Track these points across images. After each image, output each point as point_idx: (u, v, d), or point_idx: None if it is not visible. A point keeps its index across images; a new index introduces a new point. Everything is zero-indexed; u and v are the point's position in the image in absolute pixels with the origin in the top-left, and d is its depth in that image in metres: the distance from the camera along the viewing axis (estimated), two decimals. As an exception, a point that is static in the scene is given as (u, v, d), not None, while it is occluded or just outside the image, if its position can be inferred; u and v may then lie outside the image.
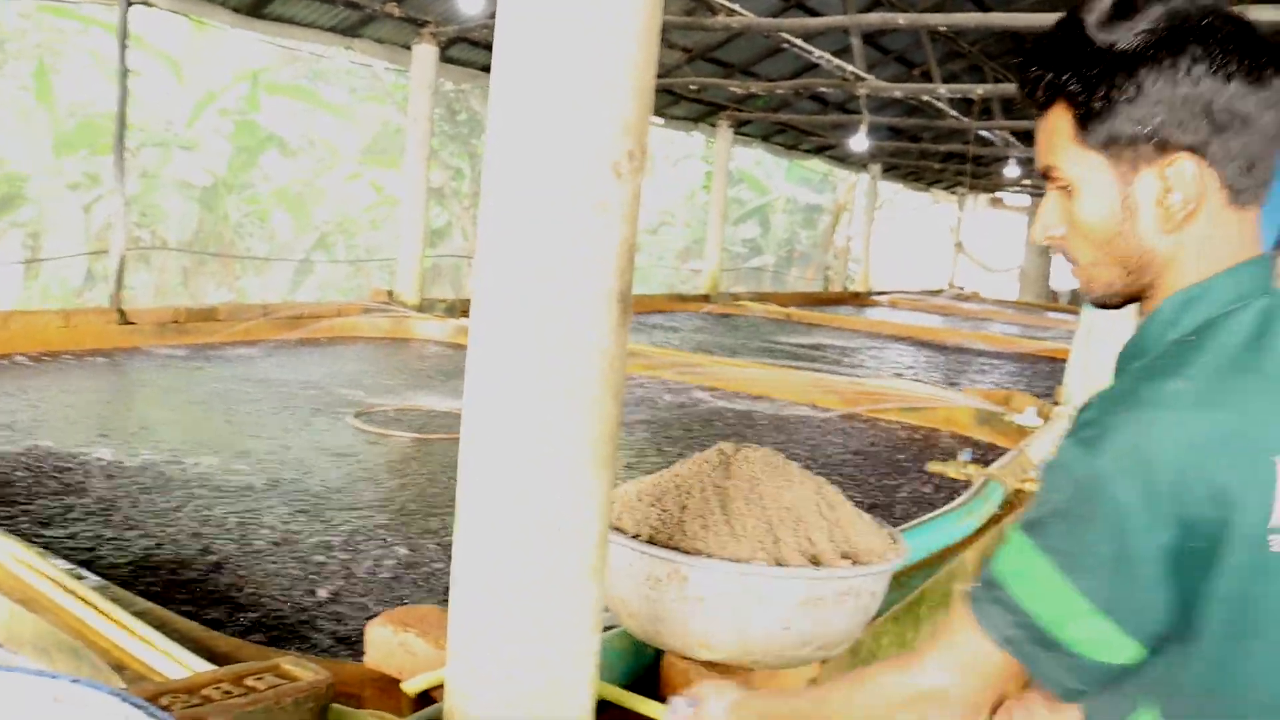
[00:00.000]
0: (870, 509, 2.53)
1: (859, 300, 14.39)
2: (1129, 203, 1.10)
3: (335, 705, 1.52)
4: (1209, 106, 1.05)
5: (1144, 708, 1.07)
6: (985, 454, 4.59)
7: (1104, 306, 1.19)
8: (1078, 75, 1.08)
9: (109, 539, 2.79)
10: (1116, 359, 1.17)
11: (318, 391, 5.21)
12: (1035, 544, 1.03)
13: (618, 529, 1.76)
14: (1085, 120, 1.09)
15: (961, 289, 17.63)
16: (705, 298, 11.24)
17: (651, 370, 6.48)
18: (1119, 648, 1.02)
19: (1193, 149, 1.06)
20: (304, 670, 1.50)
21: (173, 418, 4.42)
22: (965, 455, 3.92)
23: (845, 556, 1.77)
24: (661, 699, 1.85)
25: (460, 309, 8.08)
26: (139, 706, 1.05)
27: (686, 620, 1.71)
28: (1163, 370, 1.05)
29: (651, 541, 1.73)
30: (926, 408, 5.73)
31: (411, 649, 1.85)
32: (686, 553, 1.69)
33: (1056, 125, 1.12)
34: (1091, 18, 1.08)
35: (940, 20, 6.74)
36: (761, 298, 12.17)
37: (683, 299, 11.30)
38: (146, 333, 6.19)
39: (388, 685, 1.87)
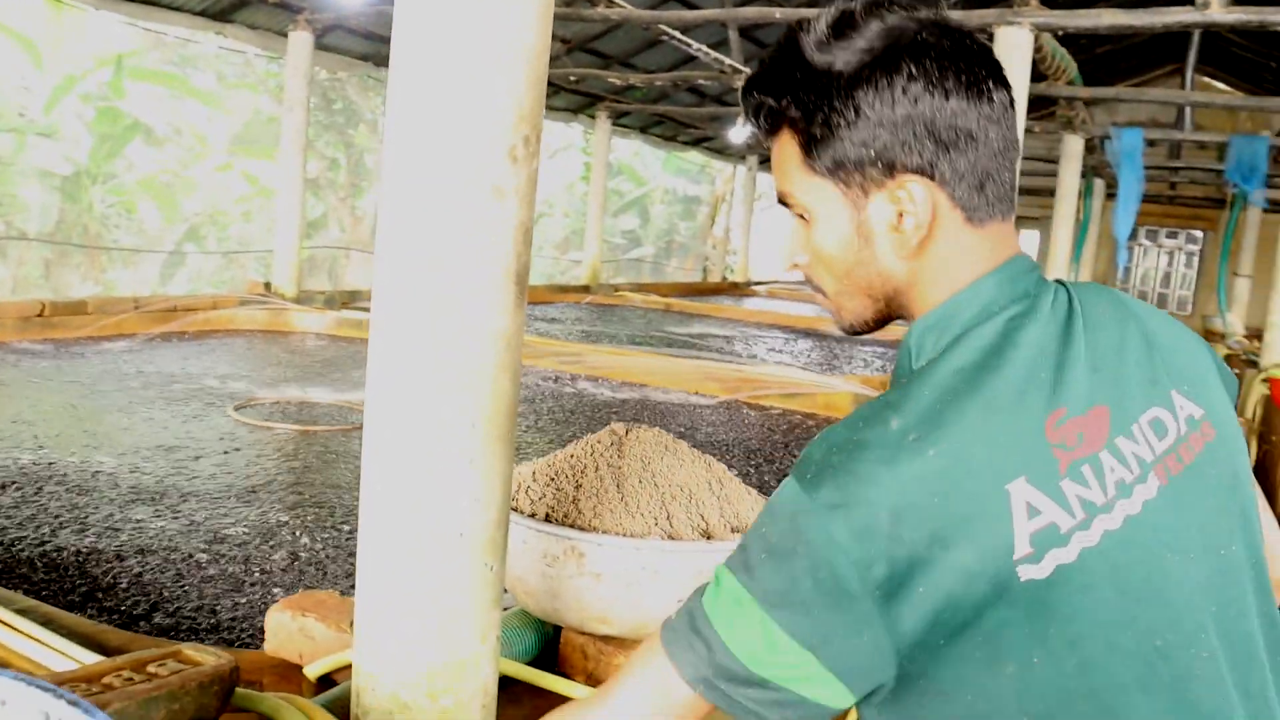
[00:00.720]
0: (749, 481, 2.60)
1: (738, 290, 14.60)
2: (863, 229, 1.04)
3: (240, 689, 1.52)
4: (931, 125, 1.00)
5: None
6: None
7: (857, 333, 1.12)
8: (796, 100, 1.02)
9: (-17, 537, 2.72)
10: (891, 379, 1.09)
11: (194, 385, 5.10)
12: (741, 582, 0.95)
13: (514, 509, 1.80)
14: (810, 146, 1.03)
15: (836, 278, 18.00)
16: (585, 288, 11.28)
17: (534, 360, 6.50)
18: (823, 685, 0.93)
19: (920, 170, 1.01)
20: (207, 655, 1.50)
21: (38, 415, 4.28)
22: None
23: (735, 531, 1.84)
24: (561, 674, 1.90)
25: (340, 301, 7.98)
26: (47, 691, 1.05)
27: (583, 596, 1.76)
28: (885, 406, 0.99)
29: (547, 520, 1.77)
30: (806, 394, 5.87)
31: (311, 633, 1.86)
32: (583, 530, 1.74)
33: (785, 152, 1.06)
34: (809, 38, 1.02)
35: (815, 14, 6.87)
36: (641, 288, 12.27)
37: (563, 290, 11.33)
38: (8, 327, 5.97)
39: (288, 671, 1.88)
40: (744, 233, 15.67)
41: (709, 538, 1.79)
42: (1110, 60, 14.57)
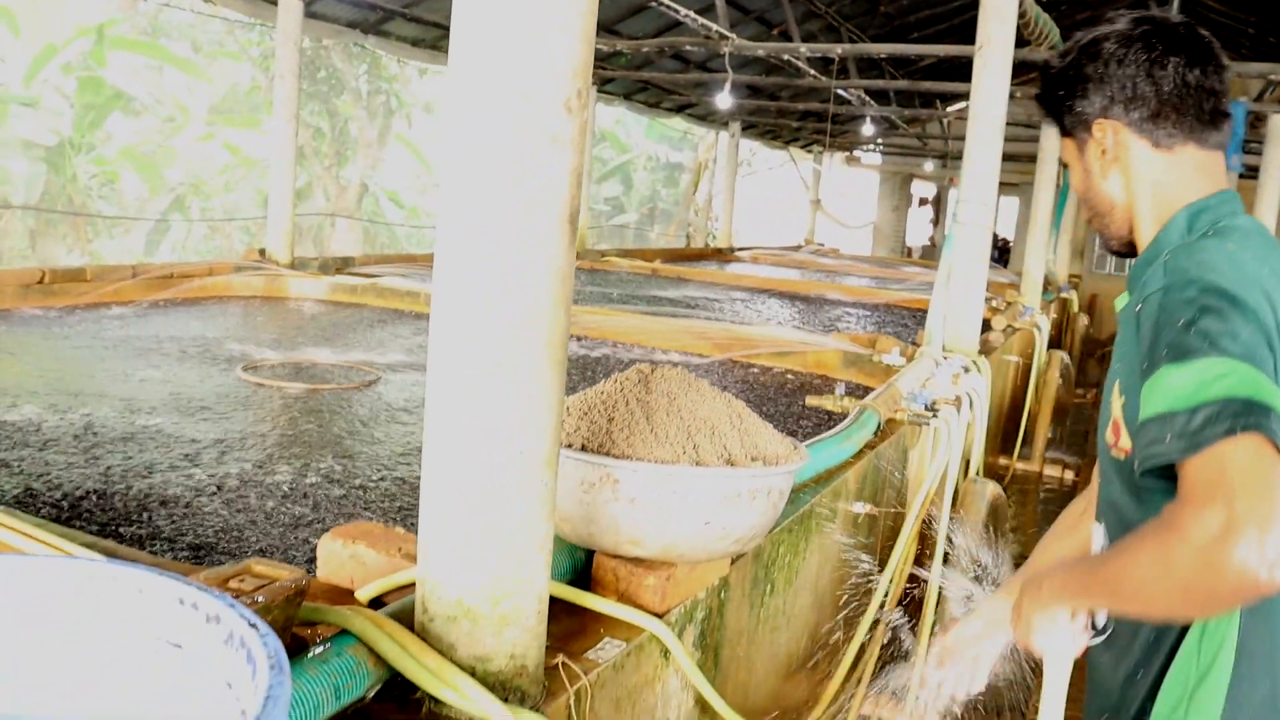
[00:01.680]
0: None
1: (721, 256, 14.72)
2: (1086, 165, 1.60)
3: (306, 603, 1.65)
4: (1114, 84, 1.54)
5: None
6: (857, 391, 4.90)
7: (1116, 254, 1.65)
8: (1049, 97, 1.65)
9: (31, 484, 2.84)
10: (1131, 272, 1.54)
11: (200, 348, 5.21)
12: (1207, 359, 1.18)
13: (552, 441, 1.94)
14: (1059, 123, 1.65)
15: (820, 245, 18.15)
16: (573, 279, 11.39)
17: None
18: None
19: (1107, 116, 1.55)
20: (279, 570, 1.63)
21: (62, 374, 4.39)
22: (840, 389, 4.19)
23: (755, 460, 1.98)
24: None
25: (334, 266, 8.07)
26: (178, 579, 1.18)
27: (618, 520, 1.90)
28: (1211, 236, 1.42)
29: (583, 449, 1.91)
30: (797, 352, 6.02)
31: (362, 559, 2.00)
32: (617, 458, 1.88)
33: (1061, 137, 1.67)
34: (1053, 58, 1.65)
35: None
36: (627, 254, 12.38)
37: (552, 256, 11.44)
38: (9, 294, 6.04)
39: (340, 595, 2.01)
40: (727, 199, 15.78)
41: (731, 464, 1.93)
42: (1089, 26, 14.69)
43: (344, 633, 1.59)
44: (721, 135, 16.21)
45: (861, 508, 3.41)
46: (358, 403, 4.31)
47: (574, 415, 1.99)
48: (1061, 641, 1.46)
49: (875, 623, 3.81)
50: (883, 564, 3.81)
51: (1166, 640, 1.42)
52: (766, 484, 1.94)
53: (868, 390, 5.05)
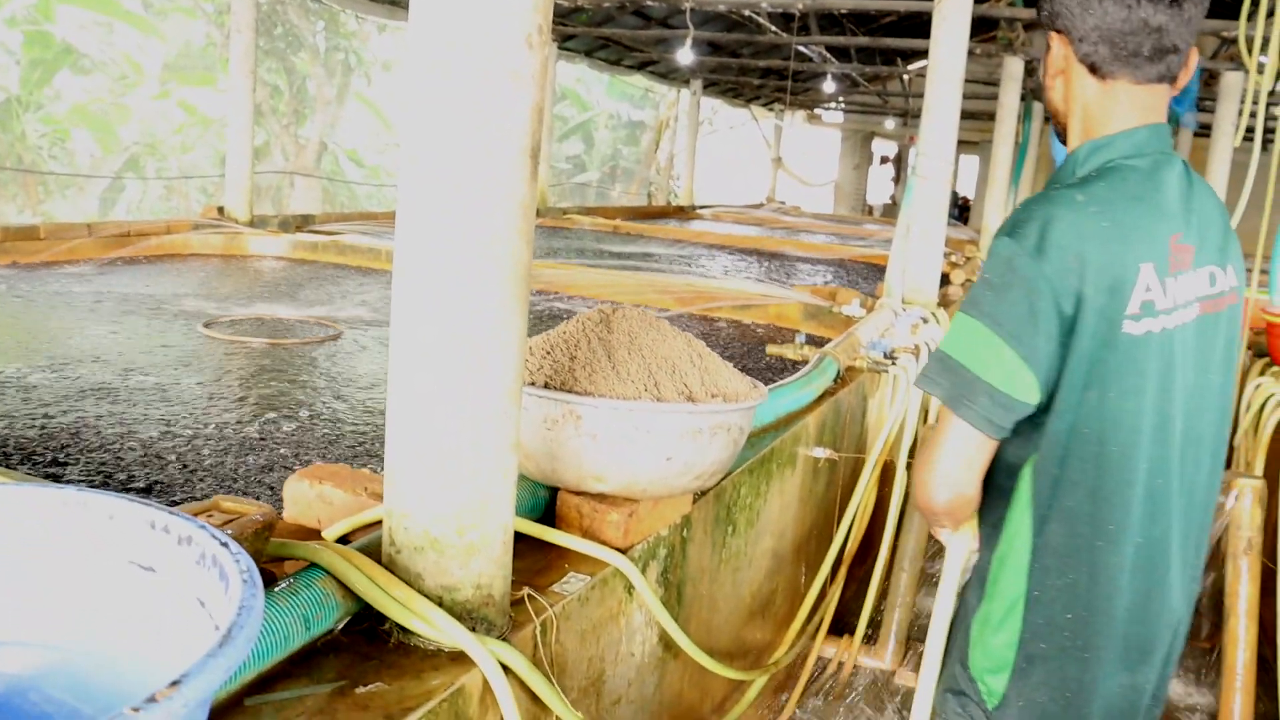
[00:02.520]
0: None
1: (683, 214, 14.71)
2: (1047, 64, 1.63)
3: (274, 539, 1.68)
4: (1069, 2, 1.55)
5: (1036, 452, 1.53)
6: (817, 342, 4.95)
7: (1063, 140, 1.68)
8: None
9: (-15, 436, 2.83)
10: (1047, 184, 1.63)
11: (159, 306, 5.18)
12: (970, 315, 1.46)
13: (516, 380, 1.96)
14: (1037, 9, 1.65)
15: (782, 203, 18.18)
16: (535, 212, 11.35)
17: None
18: (1027, 386, 1.45)
19: (1062, 30, 1.58)
20: (246, 505, 1.65)
21: (11, 328, 4.35)
22: (801, 338, 4.24)
23: (714, 396, 2.02)
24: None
25: (294, 224, 8.01)
26: (149, 504, 1.20)
27: (581, 456, 1.93)
28: (1070, 189, 1.49)
29: (546, 386, 1.94)
30: (758, 305, 6.06)
31: (329, 499, 2.02)
32: (580, 395, 1.91)
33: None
34: None
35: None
36: (589, 211, 12.35)
37: (514, 214, 11.39)
38: (-38, 252, 5.97)
39: (308, 535, 2.03)
40: (689, 157, 15.76)
41: (692, 401, 1.97)
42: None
43: (313, 566, 1.62)
44: (683, 93, 16.17)
45: (822, 453, 3.46)
46: (320, 356, 4.31)
47: (537, 354, 2.02)
48: (954, 540, 1.71)
49: (836, 565, 3.88)
50: (844, 508, 3.88)
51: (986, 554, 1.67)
52: (726, 420, 1.98)
53: (828, 341, 5.11)
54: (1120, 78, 1.55)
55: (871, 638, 3.95)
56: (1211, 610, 4.07)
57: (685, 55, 9.64)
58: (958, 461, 1.51)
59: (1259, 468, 4.64)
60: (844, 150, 21.87)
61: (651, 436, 1.91)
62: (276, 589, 1.53)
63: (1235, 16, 5.69)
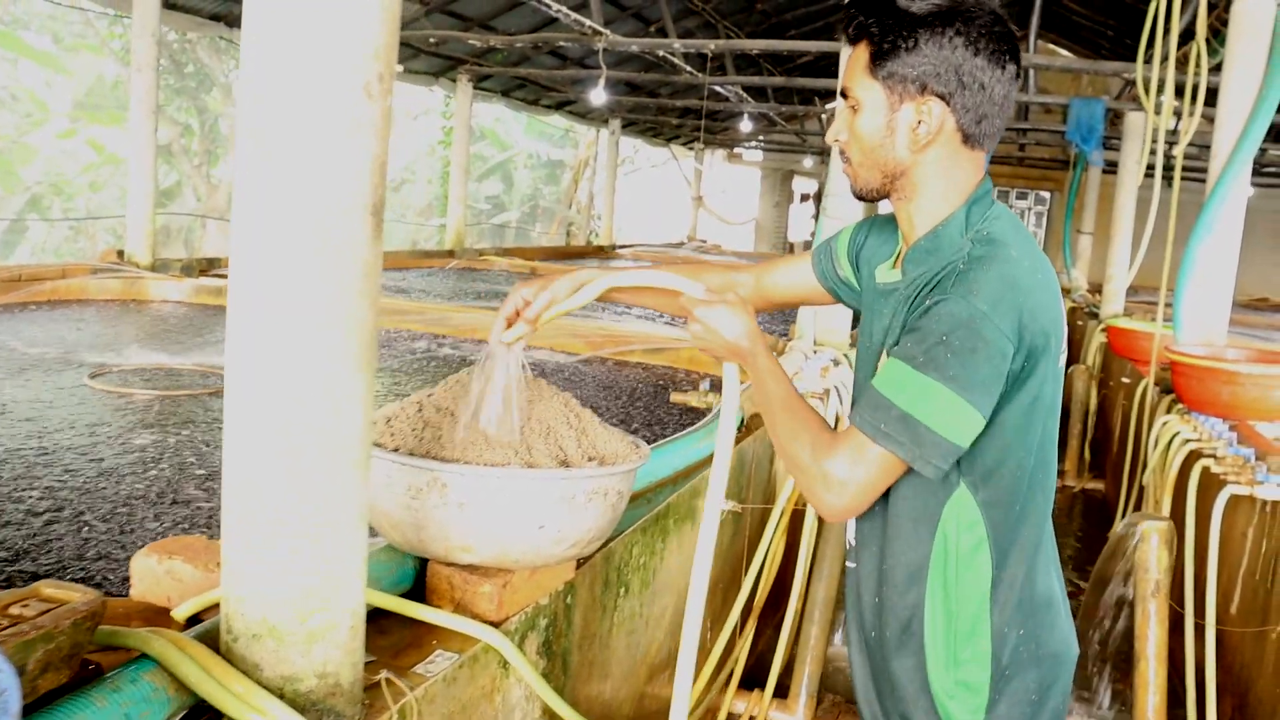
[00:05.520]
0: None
1: (602, 254, 14.67)
2: (892, 124, 1.57)
3: (105, 626, 1.54)
4: (959, 69, 1.51)
5: (961, 487, 1.56)
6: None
7: (861, 198, 1.67)
8: (880, 24, 1.53)
9: None
10: (908, 255, 1.64)
11: (45, 355, 4.96)
12: (931, 378, 1.45)
13: (378, 444, 1.85)
14: (876, 58, 1.55)
15: (703, 241, 18.23)
16: (450, 253, 11.21)
17: (400, 323, 6.49)
18: (977, 431, 1.48)
19: (941, 96, 1.53)
20: (70, 592, 1.51)
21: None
22: (705, 385, 4.17)
23: (592, 460, 1.92)
24: (430, 605, 1.96)
25: (198, 268, 7.80)
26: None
27: (447, 527, 1.82)
28: (995, 244, 1.52)
29: (411, 454, 1.83)
30: (670, 348, 5.99)
31: (178, 575, 1.88)
32: (445, 461, 1.80)
33: (857, 57, 1.57)
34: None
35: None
36: (506, 252, 12.24)
37: (427, 255, 11.24)
38: None
39: (156, 615, 1.89)
40: (608, 196, 15.72)
41: (565, 465, 1.87)
42: None
43: (143, 657, 1.49)
44: (602, 133, 16.16)
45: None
46: (209, 409, 4.14)
47: (403, 420, 1.91)
48: (730, 376, 1.82)
49: (745, 617, 3.80)
50: (749, 560, 3.80)
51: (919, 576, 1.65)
52: (602, 484, 1.88)
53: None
54: (983, 148, 1.60)
55: (783, 691, 3.86)
56: (1118, 655, 4.05)
57: (599, 95, 9.60)
58: (876, 491, 1.54)
59: (1166, 506, 4.65)
60: (764, 188, 22.03)
61: (522, 504, 1.81)
62: (97, 686, 1.40)
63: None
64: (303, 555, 1.42)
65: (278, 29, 1.33)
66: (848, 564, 1.81)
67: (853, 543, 1.78)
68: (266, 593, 1.43)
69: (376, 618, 1.89)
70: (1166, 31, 5.27)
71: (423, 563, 1.99)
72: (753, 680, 3.88)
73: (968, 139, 1.57)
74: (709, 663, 3.46)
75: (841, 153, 1.65)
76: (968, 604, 1.60)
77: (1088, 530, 7.30)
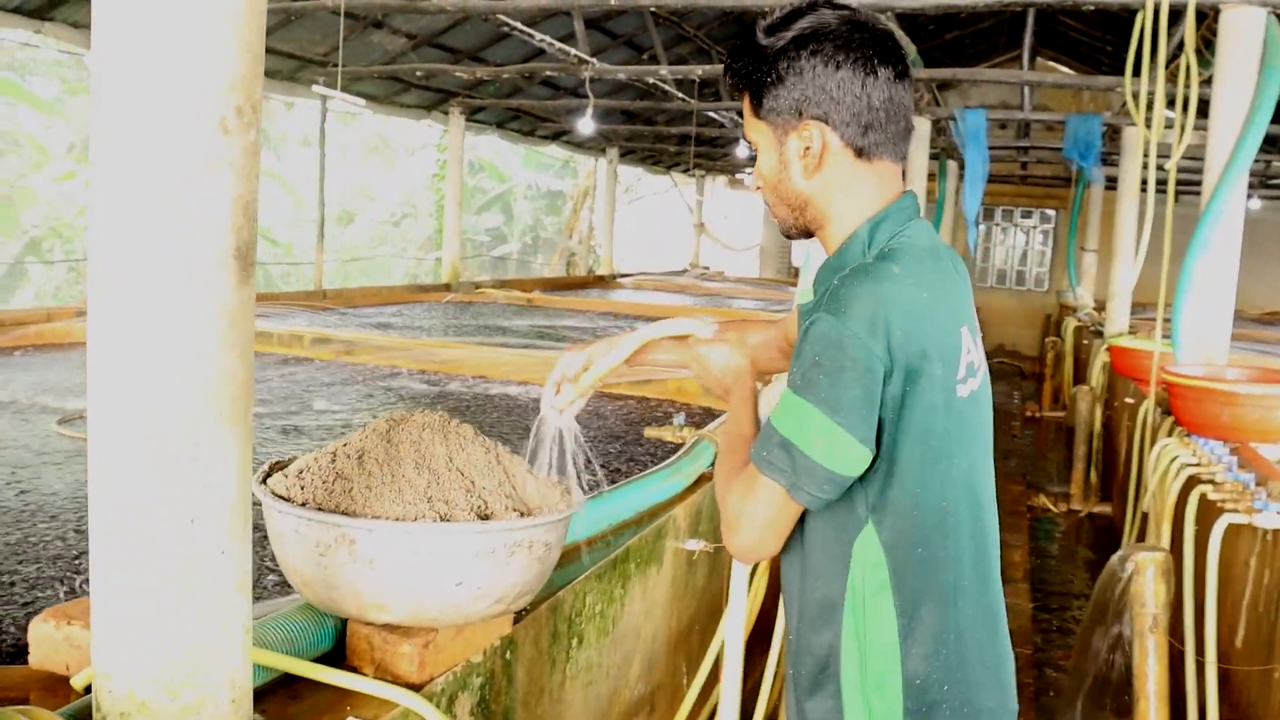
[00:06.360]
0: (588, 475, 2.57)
1: (603, 283, 14.61)
2: (784, 157, 1.55)
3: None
4: (825, 87, 1.48)
5: (869, 525, 1.48)
6: (700, 419, 4.76)
7: (788, 237, 1.64)
8: (745, 68, 1.54)
9: None
10: (817, 274, 1.58)
11: (15, 399, 4.87)
12: (804, 399, 1.40)
13: (285, 498, 1.74)
14: (755, 99, 1.55)
15: (706, 268, 18.16)
16: (446, 287, 11.15)
17: (383, 359, 6.40)
18: (861, 463, 1.42)
19: (817, 117, 1.50)
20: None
21: None
22: (679, 419, 4.05)
23: (516, 511, 1.81)
24: (350, 666, 1.85)
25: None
26: None
27: (358, 585, 1.71)
28: (884, 260, 1.46)
29: (320, 509, 1.72)
30: (658, 380, 5.88)
31: (76, 642, 1.77)
32: (352, 516, 1.69)
33: (746, 106, 1.58)
34: (760, 27, 1.53)
35: (653, 2, 6.91)
36: (504, 284, 12.17)
37: (423, 289, 11.17)
38: None
39: (55, 684, 1.78)
40: (607, 226, 15.67)
41: (486, 518, 1.75)
42: (958, 45, 14.99)
43: (7, 739, 1.37)
44: (600, 162, 16.12)
45: (695, 545, 3.26)
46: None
47: (314, 471, 1.79)
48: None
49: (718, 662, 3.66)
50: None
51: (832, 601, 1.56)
52: (525, 537, 1.77)
53: (723, 414, 4.92)
54: (883, 158, 1.54)
55: (767, 733, 3.72)
56: (1117, 693, 3.90)
57: (586, 125, 9.55)
58: (773, 526, 1.48)
59: (1166, 534, 4.50)
60: (768, 214, 21.95)
61: (436, 560, 1.69)
62: (-49, 774, 1.29)
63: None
64: (169, 626, 1.31)
65: (127, 57, 1.23)
66: (782, 605, 1.70)
67: (783, 584, 1.67)
68: (132, 667, 1.32)
69: (291, 681, 1.78)
70: (1155, 44, 5.17)
71: (344, 621, 1.87)
72: (738, 723, 3.73)
73: (860, 152, 1.52)
74: (683, 708, 3.33)
75: (764, 199, 1.63)
76: (877, 650, 1.50)
77: (1095, 557, 7.13)
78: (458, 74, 9.25)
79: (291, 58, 9.07)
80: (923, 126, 10.27)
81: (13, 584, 2.52)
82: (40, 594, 2.47)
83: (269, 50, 8.80)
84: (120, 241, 1.25)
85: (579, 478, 1.86)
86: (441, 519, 1.71)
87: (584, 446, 1.88)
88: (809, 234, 1.62)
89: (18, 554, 2.74)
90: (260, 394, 5.32)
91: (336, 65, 8.33)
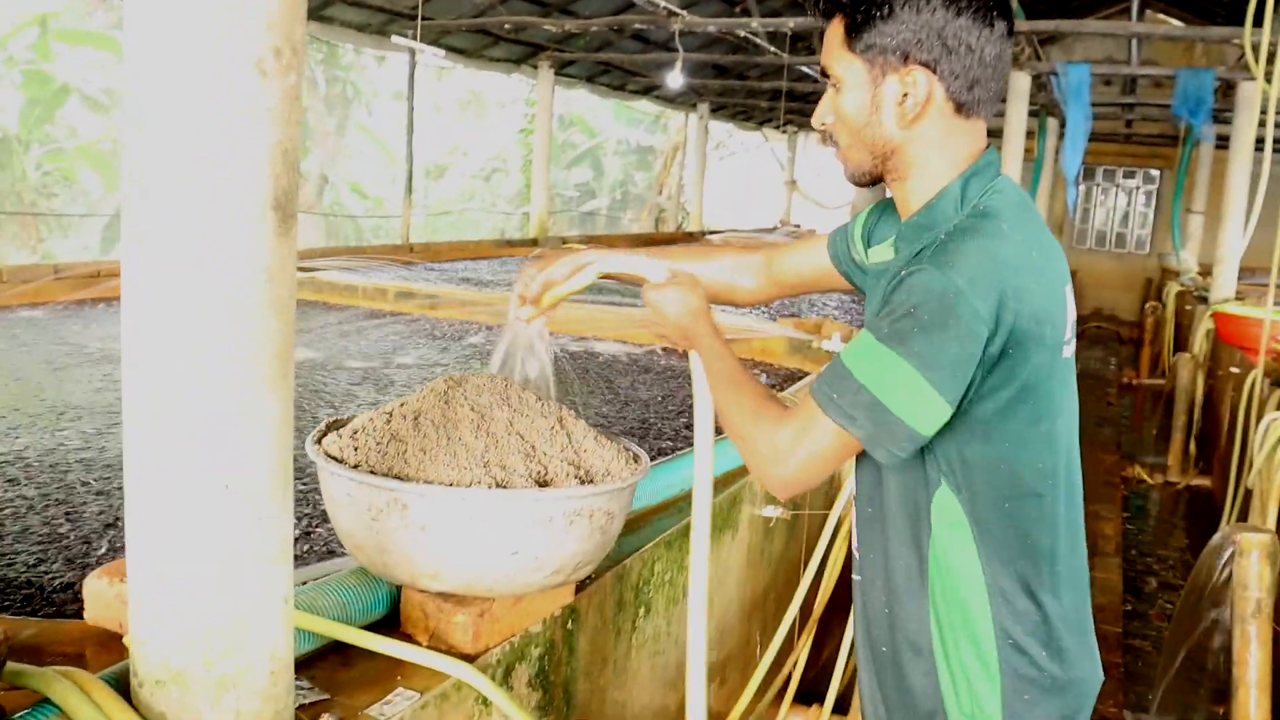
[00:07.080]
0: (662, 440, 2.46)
1: (691, 240, 14.46)
2: (876, 100, 1.42)
3: (13, 664, 1.40)
4: (942, 33, 1.36)
5: (943, 485, 1.40)
6: (782, 382, 4.64)
7: (856, 183, 1.53)
8: None
9: None
10: (900, 232, 1.49)
11: (103, 348, 4.94)
12: (895, 350, 1.31)
13: (339, 460, 1.69)
14: (852, 31, 1.41)
15: (797, 226, 17.88)
16: (534, 242, 11.11)
17: (466, 314, 6.38)
18: (940, 421, 1.33)
19: (926, 64, 1.38)
20: (-25, 626, 1.38)
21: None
22: (761, 380, 3.94)
23: (579, 478, 1.73)
24: (404, 634, 1.80)
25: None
26: None
27: (410, 551, 1.65)
28: (988, 217, 1.37)
29: (372, 471, 1.66)
30: (741, 339, 5.77)
31: (128, 599, 1.74)
32: (405, 480, 1.63)
33: (832, 33, 1.44)
34: None
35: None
36: (591, 240, 12.11)
37: (510, 244, 11.14)
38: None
39: (109, 640, 1.76)
40: (697, 182, 15.49)
41: (545, 484, 1.68)
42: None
43: (45, 701, 1.34)
44: (690, 117, 15.93)
45: (773, 511, 3.16)
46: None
47: (368, 433, 1.73)
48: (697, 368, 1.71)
49: (801, 627, 3.58)
50: (806, 566, 3.57)
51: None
52: (586, 505, 1.69)
53: (807, 375, 4.81)
54: (979, 116, 1.45)
55: (843, 707, 3.63)
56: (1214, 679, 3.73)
57: (676, 79, 9.37)
58: (824, 465, 1.40)
59: (1273, 513, 4.28)
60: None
61: (491, 528, 1.62)
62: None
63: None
64: (205, 593, 1.26)
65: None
66: (854, 576, 1.61)
67: (857, 553, 1.59)
68: (167, 634, 1.27)
69: (343, 648, 1.73)
70: (1276, -8, 4.86)
71: (399, 587, 1.82)
72: (813, 694, 3.65)
73: (960, 108, 1.42)
74: (756, 674, 3.25)
75: (830, 136, 1.52)
76: (966, 616, 1.43)
77: (1193, 531, 6.87)
78: (547, 26, 9.15)
79: (381, 11, 9.05)
80: (1022, 82, 9.89)
81: (89, 540, 2.52)
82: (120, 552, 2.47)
83: (352, 2, 8.79)
84: (151, 193, 1.19)
85: (549, 384, 1.83)
86: (498, 485, 1.63)
87: (552, 353, 1.84)
88: (877, 181, 1.52)
89: (103, 515, 2.75)
90: (349, 348, 5.33)
91: (424, 18, 8.28)
